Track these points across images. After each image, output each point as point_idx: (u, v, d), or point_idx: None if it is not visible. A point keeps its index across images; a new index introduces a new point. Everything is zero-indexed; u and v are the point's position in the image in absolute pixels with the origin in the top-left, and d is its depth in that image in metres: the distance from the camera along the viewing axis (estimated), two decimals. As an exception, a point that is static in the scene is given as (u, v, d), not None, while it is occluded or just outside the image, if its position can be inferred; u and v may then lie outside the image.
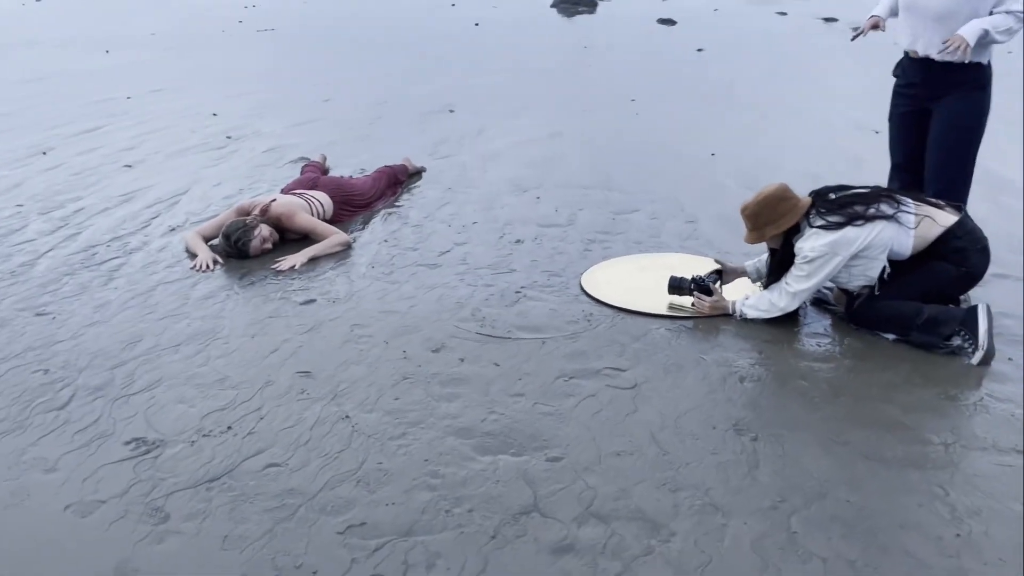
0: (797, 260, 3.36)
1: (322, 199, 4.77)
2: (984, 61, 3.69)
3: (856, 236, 3.24)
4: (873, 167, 5.77)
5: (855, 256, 3.28)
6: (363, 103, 7.69)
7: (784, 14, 12.58)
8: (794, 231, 3.39)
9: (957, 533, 2.33)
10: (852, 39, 3.90)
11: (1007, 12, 3.55)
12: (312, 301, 3.83)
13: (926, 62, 3.71)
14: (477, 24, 11.98)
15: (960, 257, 3.27)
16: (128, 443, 2.78)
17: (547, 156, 6.09)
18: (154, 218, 4.88)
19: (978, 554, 2.25)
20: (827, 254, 3.27)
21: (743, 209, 3.46)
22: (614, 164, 5.88)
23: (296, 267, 4.19)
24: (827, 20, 12.04)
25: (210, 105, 7.58)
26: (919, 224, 3.26)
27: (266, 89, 8.25)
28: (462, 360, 3.30)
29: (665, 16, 12.30)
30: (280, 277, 4.09)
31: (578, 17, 12.96)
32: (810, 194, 3.48)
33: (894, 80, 4.02)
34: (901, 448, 2.71)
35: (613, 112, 7.38)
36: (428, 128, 6.89)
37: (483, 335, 3.50)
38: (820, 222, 3.30)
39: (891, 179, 4.13)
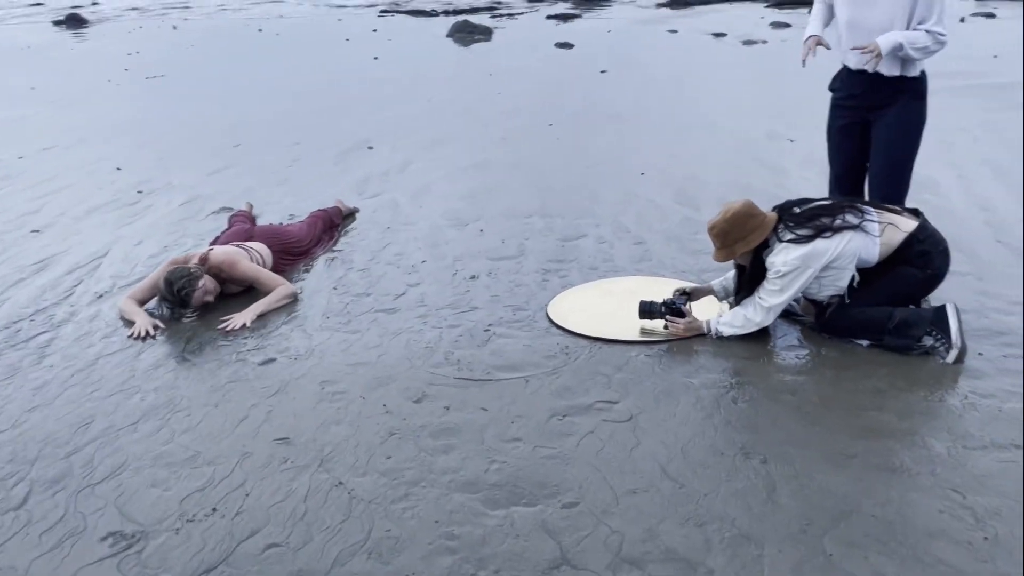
0: (770, 275, 3.39)
1: (260, 249, 4.54)
2: (916, 73, 3.83)
3: (826, 248, 3.29)
4: (795, 175, 5.97)
5: (826, 267, 3.32)
6: (275, 146, 7.44)
7: (675, 32, 12.96)
8: (763, 246, 3.42)
9: (984, 536, 2.35)
10: (803, 63, 3.96)
11: (927, 31, 3.68)
12: (272, 360, 3.62)
13: (869, 75, 3.82)
14: (376, 58, 11.84)
15: (924, 260, 3.37)
16: (105, 539, 2.52)
17: (479, 187, 6.01)
18: (76, 285, 4.54)
19: (1011, 555, 2.28)
20: (799, 267, 3.31)
21: (711, 228, 3.47)
22: (548, 190, 5.85)
23: (247, 325, 3.96)
24: (716, 35, 12.46)
25: (111, 159, 7.16)
26: (883, 231, 3.34)
27: (169, 138, 7.87)
28: (448, 408, 3.17)
29: (562, 40, 12.47)
30: (230, 338, 3.85)
31: (475, 45, 12.98)
32: (774, 209, 3.52)
33: (831, 94, 4.13)
34: (907, 455, 2.73)
35: (533, 138, 7.37)
36: (350, 167, 6.71)
37: (462, 379, 3.38)
38: (790, 236, 3.33)
39: (832, 188, 4.23)
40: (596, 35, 12.99)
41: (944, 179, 5.48)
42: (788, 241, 3.33)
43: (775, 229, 3.39)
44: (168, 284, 4.03)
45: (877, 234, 3.33)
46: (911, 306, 3.48)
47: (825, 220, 3.31)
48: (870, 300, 3.41)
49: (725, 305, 3.83)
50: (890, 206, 3.52)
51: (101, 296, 4.39)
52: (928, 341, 3.31)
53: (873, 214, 3.38)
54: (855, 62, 3.91)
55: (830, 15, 3.98)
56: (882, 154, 3.92)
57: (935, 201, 5.05)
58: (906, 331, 3.31)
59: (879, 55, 3.68)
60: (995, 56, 9.23)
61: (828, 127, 4.16)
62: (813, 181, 5.73)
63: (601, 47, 12.07)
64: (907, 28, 3.70)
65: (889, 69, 3.79)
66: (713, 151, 6.69)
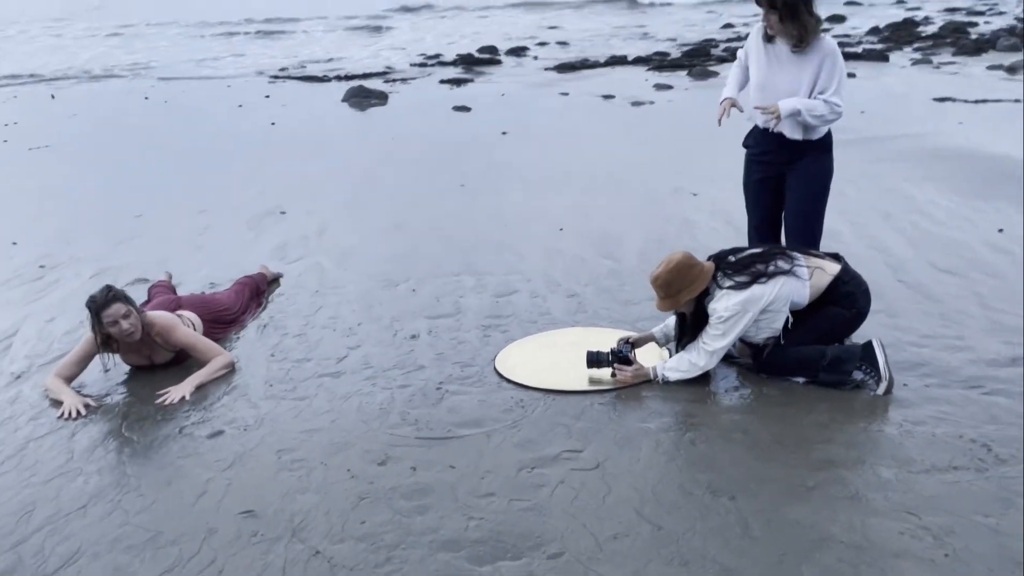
0: (712, 320, 3.57)
1: (192, 319, 4.42)
2: (820, 135, 4.16)
3: (763, 293, 3.50)
4: (704, 226, 6.28)
5: (763, 311, 3.53)
6: (181, 214, 7.24)
7: (566, 94, 13.45)
8: (704, 294, 3.60)
9: (945, 553, 2.53)
10: (719, 123, 4.25)
11: (825, 101, 4.01)
12: (220, 433, 3.51)
13: (780, 134, 4.12)
14: (273, 123, 11.75)
15: (850, 301, 3.63)
16: (73, 632, 2.38)
17: (403, 248, 6.04)
18: (-11, 366, 4.28)
19: (971, 569, 2.46)
20: (740, 312, 3.50)
21: (654, 279, 3.63)
22: (472, 249, 5.94)
23: (186, 398, 3.83)
24: (606, 97, 13.01)
25: (4, 234, 6.81)
26: (812, 275, 3.59)
27: (64, 210, 7.54)
28: (414, 469, 3.15)
29: (459, 104, 12.72)
30: (170, 412, 3.72)
31: (372, 110, 13.08)
32: (709, 258, 3.72)
33: (745, 150, 4.41)
34: (860, 483, 2.91)
35: (447, 198, 7.47)
36: (265, 233, 6.61)
37: (424, 439, 3.37)
38: (729, 283, 3.53)
39: (751, 237, 4.50)
40: (491, 98, 13.32)
41: (841, 227, 5.89)
42: (728, 288, 3.52)
43: (714, 277, 3.59)
44: (92, 301, 3.97)
45: (807, 278, 3.58)
46: (839, 344, 3.72)
47: (760, 267, 3.53)
48: (802, 340, 3.63)
49: (666, 351, 3.99)
50: (814, 251, 3.78)
51: (19, 377, 4.15)
52: (859, 375, 3.55)
53: (801, 259, 3.62)
54: (761, 121, 4.22)
55: (746, 79, 4.29)
56: (795, 204, 4.22)
57: (837, 248, 5.39)
58: (839, 367, 3.55)
59: (779, 116, 4.00)
60: (862, 112, 10.03)
61: (744, 181, 4.44)
62: (721, 231, 6.05)
63: (497, 110, 12.38)
64: (809, 95, 4.03)
65: (791, 132, 4.11)
66: (623, 207, 6.95)
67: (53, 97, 15.00)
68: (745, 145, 4.41)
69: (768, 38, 4.07)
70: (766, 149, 4.24)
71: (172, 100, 14.19)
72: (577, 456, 3.18)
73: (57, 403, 3.80)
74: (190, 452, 3.36)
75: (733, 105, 4.21)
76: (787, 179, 4.23)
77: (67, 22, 31.21)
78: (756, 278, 3.50)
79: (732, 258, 3.64)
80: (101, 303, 3.92)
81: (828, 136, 4.18)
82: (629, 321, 4.49)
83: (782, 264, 3.55)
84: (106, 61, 20.01)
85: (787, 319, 3.59)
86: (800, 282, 3.56)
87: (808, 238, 4.19)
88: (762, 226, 4.43)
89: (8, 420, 3.69)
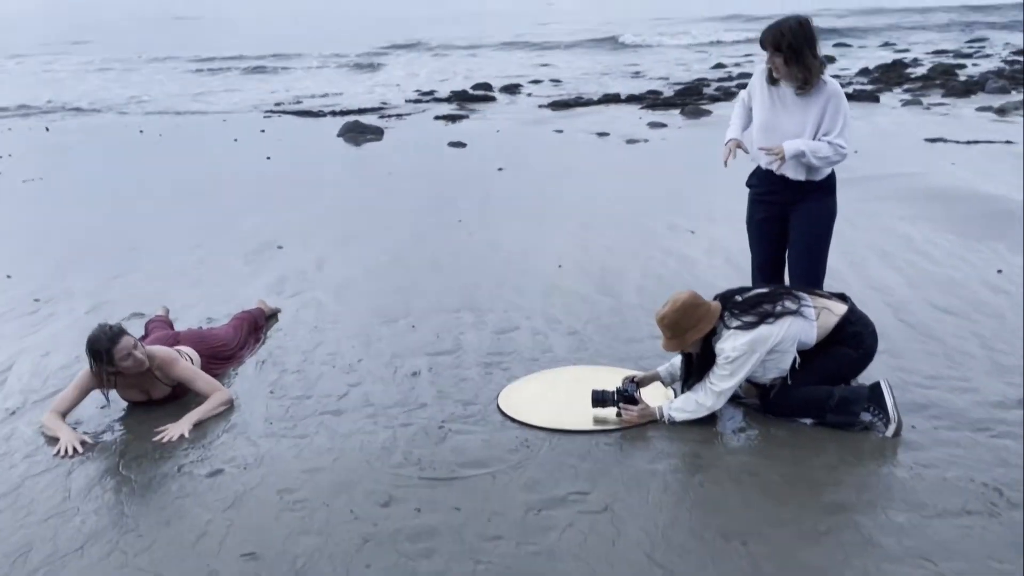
0: (719, 360, 3.54)
1: (191, 354, 4.36)
2: (823, 176, 4.18)
3: (770, 333, 3.48)
4: (703, 264, 6.29)
5: (770, 351, 3.51)
6: (176, 249, 7.20)
7: (561, 131, 13.54)
8: (711, 334, 3.58)
9: (963, 598, 2.49)
10: (725, 164, 4.26)
11: (830, 142, 4.02)
12: (220, 472, 3.45)
13: (783, 175, 4.14)
14: (269, 158, 11.76)
15: (857, 341, 3.62)
16: None
17: (401, 283, 6.01)
18: (-17, 402, 4.21)
19: (990, 615, 2.42)
20: (747, 352, 3.48)
21: (660, 319, 3.61)
22: (470, 284, 5.92)
23: (184, 436, 3.76)
24: (600, 135, 13.10)
25: (-2, 266, 6.75)
26: (819, 315, 3.58)
27: (58, 243, 7.49)
28: (419, 510, 3.10)
29: (454, 140, 12.79)
30: (168, 450, 3.65)
31: (367, 145, 13.12)
32: (715, 298, 3.70)
33: (749, 189, 4.42)
34: (873, 527, 2.88)
35: (445, 233, 7.47)
36: (262, 267, 6.58)
37: (428, 479, 3.32)
38: (736, 323, 3.51)
39: (754, 276, 4.50)
40: (486, 135, 13.39)
41: (840, 266, 5.90)
42: (735, 328, 3.51)
43: (721, 317, 3.57)
44: (96, 329, 3.93)
45: (814, 318, 3.57)
46: (846, 384, 3.71)
47: (767, 307, 3.52)
48: (809, 380, 3.61)
49: (671, 391, 3.96)
50: (820, 291, 3.78)
51: (14, 413, 4.08)
52: (866, 417, 3.53)
53: (808, 300, 3.62)
54: (765, 162, 4.24)
55: (749, 119, 4.31)
56: (798, 245, 4.23)
57: (837, 287, 5.41)
58: (846, 408, 3.52)
59: (783, 158, 4.01)
60: (855, 151, 10.11)
61: (748, 220, 4.45)
62: (720, 269, 6.06)
63: (493, 146, 12.44)
64: (814, 137, 4.05)
65: (794, 174, 4.13)
66: (621, 243, 6.96)
67: (47, 130, 15.00)
68: (749, 185, 4.42)
69: (772, 80, 4.11)
70: (770, 189, 4.25)
71: (167, 134, 14.21)
72: (585, 498, 3.13)
73: (53, 440, 3.73)
74: (189, 491, 3.30)
75: (738, 146, 4.23)
76: (790, 219, 4.24)
77: (61, 55, 31.34)
78: (763, 318, 3.49)
79: (739, 298, 3.63)
80: (110, 340, 3.87)
81: (831, 177, 4.20)
82: (632, 359, 4.47)
83: (789, 304, 3.54)
84: (101, 94, 20.06)
85: (794, 359, 3.58)
86: (807, 322, 3.55)
87: (812, 278, 4.19)
88: (765, 265, 4.43)
89: (3, 457, 3.62)
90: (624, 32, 28.81)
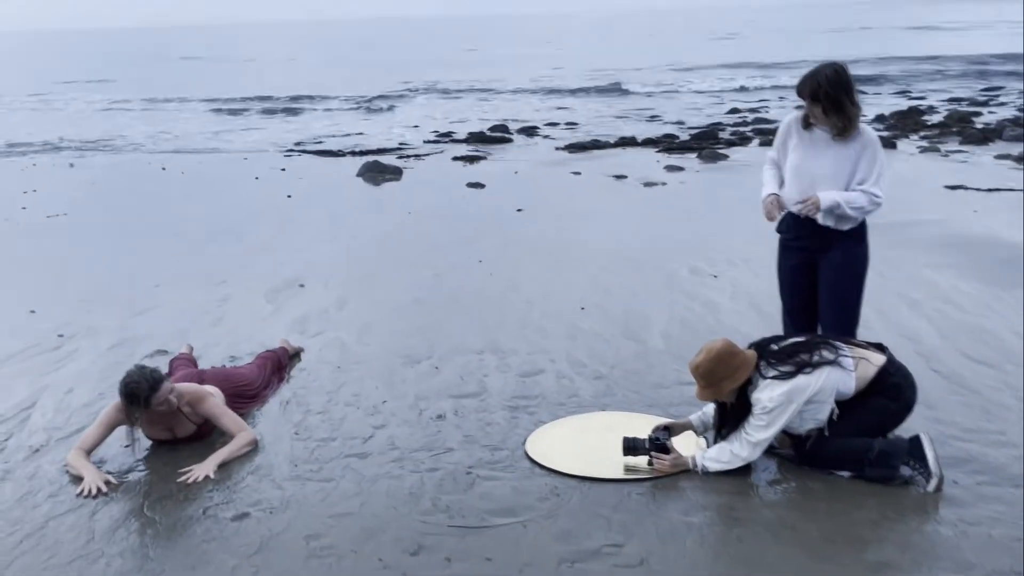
0: (755, 410, 3.48)
1: (215, 393, 4.32)
2: (854, 225, 4.14)
3: (808, 383, 3.42)
4: (727, 309, 6.23)
5: (808, 401, 3.45)
6: (199, 285, 7.21)
7: (578, 173, 13.59)
8: (746, 383, 3.52)
9: (1019, 665, 2.39)
10: (770, 219, 4.20)
11: (864, 191, 4.00)
12: (245, 515, 3.39)
13: (814, 221, 4.10)
14: (290, 196, 11.83)
15: (896, 392, 3.55)
16: None
17: (424, 323, 5.98)
18: (7, 439, 4.18)
19: None
20: (784, 402, 3.42)
21: (695, 368, 3.55)
22: (493, 325, 5.89)
23: (210, 476, 3.71)
24: (618, 177, 13.14)
25: (21, 302, 6.76)
26: (857, 365, 3.52)
27: (82, 279, 7.52)
28: (449, 560, 3.03)
29: (473, 181, 12.85)
30: (193, 491, 3.60)
31: (386, 184, 13.20)
32: (750, 346, 3.65)
33: (779, 235, 4.38)
34: (920, 586, 2.79)
35: (465, 273, 7.45)
36: (284, 306, 6.57)
37: (457, 527, 3.26)
38: (773, 372, 3.46)
39: (785, 324, 4.44)
40: (504, 176, 13.45)
41: (868, 314, 5.78)
42: (772, 378, 3.45)
43: (757, 366, 3.52)
44: (130, 373, 3.87)
45: (852, 368, 3.51)
46: (884, 437, 3.63)
47: (804, 356, 3.47)
48: (847, 432, 3.54)
49: (702, 440, 3.90)
50: (857, 341, 3.72)
51: (38, 451, 4.05)
52: (906, 471, 3.45)
53: (845, 349, 3.56)
54: (797, 211, 4.19)
55: (781, 173, 4.28)
56: (829, 293, 4.18)
57: (866, 335, 5.34)
58: (886, 462, 3.45)
59: (818, 208, 3.97)
60: (876, 198, 10.11)
61: (779, 267, 4.40)
62: (746, 314, 6.01)
63: (511, 187, 12.49)
64: (848, 184, 4.01)
65: (824, 219, 4.08)
66: (644, 287, 6.92)
67: (72, 166, 15.18)
68: (779, 231, 4.38)
69: (806, 124, 4.09)
70: (799, 235, 4.21)
71: (189, 171, 14.34)
72: (619, 551, 3.06)
73: (77, 479, 3.69)
74: (215, 535, 3.24)
75: (779, 201, 4.17)
76: (820, 266, 4.19)
77: (84, 93, 31.89)
78: (801, 368, 3.43)
79: (775, 347, 3.58)
80: (151, 388, 3.84)
81: (862, 225, 4.17)
82: (660, 406, 4.40)
83: (826, 354, 3.48)
84: (123, 132, 20.33)
85: (832, 410, 3.51)
86: (845, 373, 3.49)
87: (843, 328, 4.13)
88: (796, 313, 4.37)
89: (27, 496, 3.58)
90: (631, 81, 29.08)
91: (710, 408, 3.81)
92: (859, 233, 4.15)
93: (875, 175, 3.97)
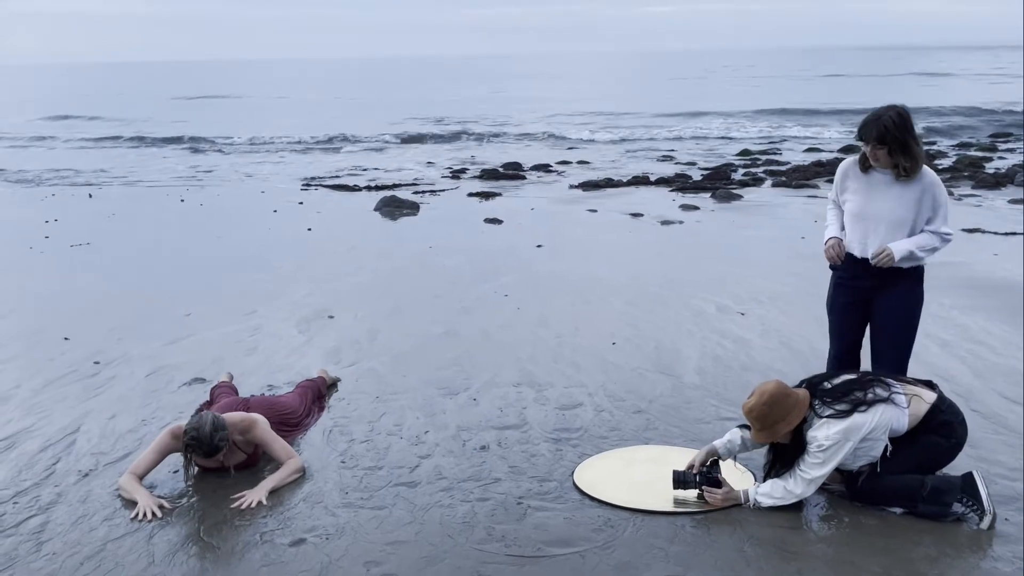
0: (811, 448, 3.50)
1: (263, 420, 4.35)
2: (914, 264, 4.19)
3: (864, 421, 3.46)
4: (759, 345, 6.27)
5: (863, 439, 3.48)
6: (230, 315, 7.27)
7: (595, 211, 13.70)
8: (801, 422, 3.55)
9: None
10: (834, 264, 4.25)
11: (933, 232, 4.06)
12: (302, 541, 3.41)
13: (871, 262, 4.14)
14: (310, 229, 11.94)
15: (948, 430, 3.58)
16: None
17: (456, 355, 6.02)
18: (55, 463, 4.20)
19: None
20: (841, 440, 3.45)
21: (748, 411, 3.58)
22: (526, 359, 5.93)
23: (263, 502, 3.73)
24: (634, 215, 13.24)
25: (54, 329, 6.81)
26: (910, 402, 3.56)
27: (110, 307, 7.58)
28: (511, 588, 3.04)
29: (490, 216, 12.96)
30: (247, 517, 3.62)
31: (404, 219, 13.31)
32: (801, 384, 3.69)
33: (832, 272, 4.41)
34: (986, 621, 2.80)
35: (492, 307, 7.51)
36: (316, 336, 6.61)
37: (514, 556, 3.27)
38: (829, 411, 3.49)
39: (831, 360, 4.46)
40: (521, 212, 13.55)
41: (898, 351, 5.88)
42: (827, 416, 3.48)
43: (811, 405, 3.55)
44: (201, 427, 3.85)
45: (905, 405, 3.54)
46: (934, 474, 3.65)
47: (858, 394, 3.50)
48: (899, 469, 3.56)
49: (749, 474, 3.92)
50: (908, 378, 3.76)
51: (87, 475, 4.07)
52: (959, 508, 3.47)
53: (898, 387, 3.60)
54: (859, 252, 4.18)
55: (842, 213, 4.33)
56: (886, 331, 4.18)
57: (902, 376, 5.39)
58: (939, 498, 3.47)
59: (891, 261, 3.99)
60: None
61: (830, 305, 4.40)
62: (777, 351, 6.05)
63: (529, 223, 12.59)
64: (912, 223, 4.04)
65: (900, 264, 4.08)
66: (671, 322, 6.97)
67: (91, 196, 15.32)
68: (832, 267, 4.40)
69: (864, 167, 4.13)
70: (856, 273, 4.20)
71: (207, 203, 14.47)
72: (681, 581, 3.07)
73: (131, 503, 3.71)
74: (273, 560, 3.25)
75: (840, 244, 4.21)
76: (876, 304, 4.20)
77: (90, 129, 32.26)
78: (856, 406, 3.47)
79: (827, 384, 3.61)
80: (208, 451, 3.88)
81: (921, 268, 4.18)
82: (704, 440, 4.40)
83: (880, 392, 3.52)
84: (137, 167, 20.57)
85: (886, 447, 3.53)
86: (899, 410, 3.53)
87: (898, 365, 4.15)
88: (847, 348, 4.36)
89: (82, 519, 3.59)
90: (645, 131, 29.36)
91: (733, 434, 3.83)
92: (918, 273, 4.17)
93: (941, 214, 4.03)
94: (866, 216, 4.12)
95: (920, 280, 4.19)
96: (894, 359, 4.13)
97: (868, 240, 4.12)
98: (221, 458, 3.93)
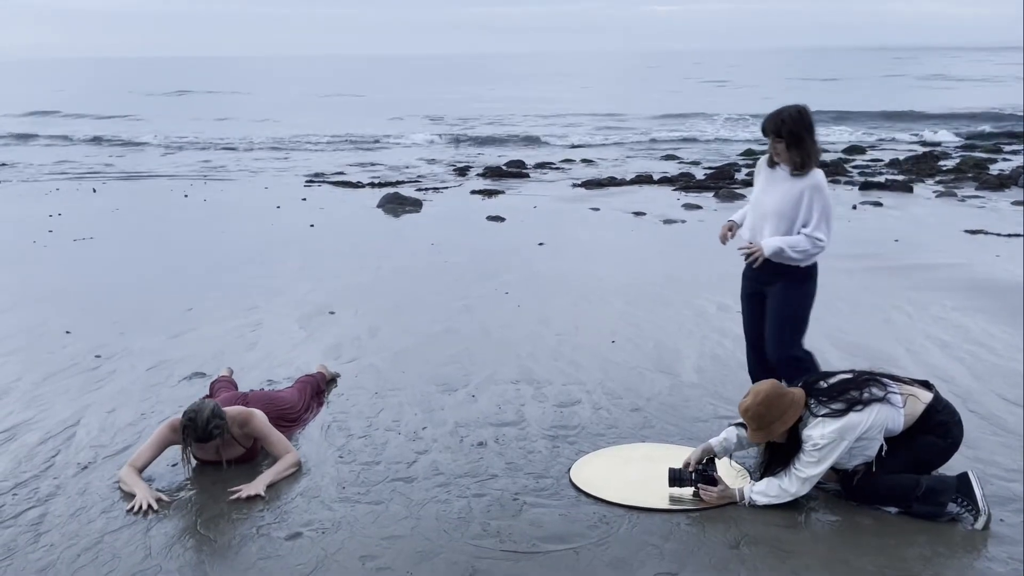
0: (806, 447, 3.51)
1: (261, 414, 4.37)
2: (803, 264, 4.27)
3: (859, 420, 3.46)
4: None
5: (858, 438, 3.48)
6: (231, 310, 7.28)
7: (597, 209, 13.70)
8: (796, 421, 3.56)
9: None
10: (722, 242, 4.52)
11: (808, 235, 4.17)
12: (298, 535, 3.43)
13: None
14: (312, 226, 11.96)
15: (944, 430, 3.59)
16: None
17: (456, 352, 6.04)
18: (54, 456, 4.22)
19: None
20: (836, 440, 3.46)
21: (744, 411, 3.60)
22: (525, 356, 5.94)
23: (262, 495, 3.75)
24: (636, 214, 13.24)
25: (56, 322, 6.83)
26: (906, 402, 3.56)
27: (112, 302, 7.60)
28: (505, 584, 3.05)
29: (492, 214, 12.97)
30: (244, 511, 3.64)
31: (406, 216, 13.33)
32: (798, 384, 3.69)
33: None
34: (978, 620, 2.80)
35: (494, 305, 7.51)
36: (316, 332, 6.63)
37: (509, 551, 3.29)
38: (824, 410, 3.50)
39: (748, 355, 4.64)
40: (523, 210, 13.56)
41: (897, 354, 5.89)
42: (823, 415, 3.49)
43: (806, 404, 3.56)
44: (200, 411, 3.88)
45: (901, 405, 3.55)
46: (929, 474, 3.65)
47: (854, 393, 3.51)
48: (894, 468, 3.56)
49: (745, 472, 3.92)
50: (904, 378, 3.76)
51: (86, 467, 4.09)
52: (953, 508, 3.47)
53: (894, 386, 3.60)
54: (743, 255, 4.37)
55: None
56: (769, 325, 4.37)
57: (898, 375, 5.39)
58: (934, 498, 3.47)
59: (760, 257, 4.19)
60: (896, 240, 10.18)
61: (740, 295, 4.61)
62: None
63: (531, 221, 12.59)
64: (793, 220, 4.17)
65: (774, 258, 4.23)
66: (672, 321, 6.97)
67: (95, 191, 15.35)
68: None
69: (772, 163, 4.31)
70: (750, 265, 4.39)
71: (211, 199, 14.50)
72: (674, 579, 3.08)
73: (129, 495, 3.73)
74: (270, 553, 3.27)
75: (731, 228, 4.47)
76: (767, 298, 4.37)
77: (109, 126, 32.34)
78: (851, 405, 3.47)
79: (823, 384, 3.62)
80: (202, 435, 3.89)
81: (798, 270, 4.27)
82: (700, 439, 4.40)
83: (876, 391, 3.52)
84: (142, 161, 20.62)
85: (881, 446, 3.54)
86: (895, 409, 3.53)
87: (779, 359, 4.31)
88: (754, 340, 4.55)
89: (80, 512, 3.61)
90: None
91: (728, 432, 3.84)
92: (803, 273, 4.27)
93: (816, 218, 4.14)
94: (756, 207, 4.34)
95: (803, 280, 4.28)
96: (773, 353, 4.31)
97: (756, 231, 4.31)
98: (216, 446, 3.92)
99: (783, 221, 4.20)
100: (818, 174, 4.20)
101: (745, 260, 4.34)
